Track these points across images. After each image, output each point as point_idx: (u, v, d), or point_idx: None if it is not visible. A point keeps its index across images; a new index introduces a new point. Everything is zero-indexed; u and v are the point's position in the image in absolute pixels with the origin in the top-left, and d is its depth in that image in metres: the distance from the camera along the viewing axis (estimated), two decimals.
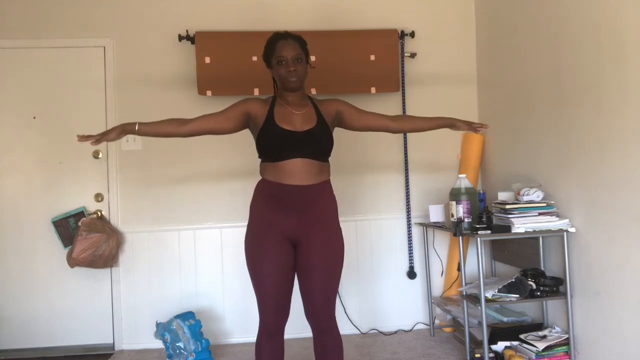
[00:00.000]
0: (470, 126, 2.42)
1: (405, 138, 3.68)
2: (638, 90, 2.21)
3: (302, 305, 2.18)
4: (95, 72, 3.53)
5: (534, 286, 2.73)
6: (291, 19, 3.62)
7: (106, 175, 3.51)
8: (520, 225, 2.70)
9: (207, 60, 3.41)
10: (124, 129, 2.11)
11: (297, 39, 2.20)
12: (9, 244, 3.45)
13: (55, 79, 3.50)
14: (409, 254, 3.68)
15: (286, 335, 3.55)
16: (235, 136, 3.54)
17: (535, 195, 2.78)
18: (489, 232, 2.76)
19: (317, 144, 2.14)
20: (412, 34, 3.68)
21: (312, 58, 3.46)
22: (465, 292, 2.93)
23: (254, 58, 3.40)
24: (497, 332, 2.94)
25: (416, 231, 3.69)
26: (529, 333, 2.85)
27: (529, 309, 3.20)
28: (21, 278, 3.45)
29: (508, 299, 2.72)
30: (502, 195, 3.00)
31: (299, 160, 2.10)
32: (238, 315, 3.54)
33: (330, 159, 2.27)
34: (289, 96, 2.20)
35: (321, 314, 2.13)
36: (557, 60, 2.78)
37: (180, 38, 3.50)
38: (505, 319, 3.08)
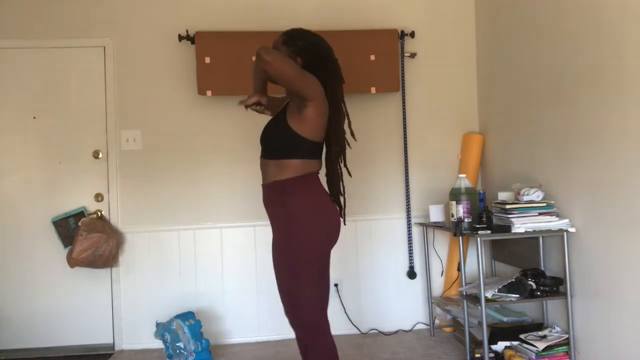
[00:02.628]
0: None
1: (405, 138, 3.68)
2: (638, 90, 2.21)
3: None
4: (95, 72, 3.53)
5: (534, 286, 2.73)
6: (291, 19, 3.61)
7: (106, 175, 3.52)
8: (520, 225, 2.70)
9: (207, 60, 3.41)
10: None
11: (284, 34, 2.17)
12: (9, 244, 3.45)
13: (55, 79, 3.50)
14: (409, 254, 3.68)
15: (284, 336, 3.56)
16: (235, 136, 3.57)
17: (535, 195, 2.78)
18: (489, 232, 2.76)
19: (262, 142, 2.14)
20: (412, 34, 3.68)
21: None
22: (465, 292, 2.93)
23: (254, 58, 3.40)
24: (497, 332, 2.94)
25: (416, 231, 3.69)
26: (529, 333, 2.85)
27: (529, 309, 3.20)
28: (21, 278, 3.45)
29: (508, 299, 2.72)
30: (502, 195, 3.00)
31: (260, 160, 2.17)
32: (238, 315, 3.54)
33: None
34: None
35: (287, 316, 2.08)
36: (557, 60, 2.78)
37: (180, 38, 3.50)
38: (505, 319, 3.08)
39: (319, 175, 2.15)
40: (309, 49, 2.14)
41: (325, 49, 2.18)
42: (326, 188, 2.20)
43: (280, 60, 1.92)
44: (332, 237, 2.10)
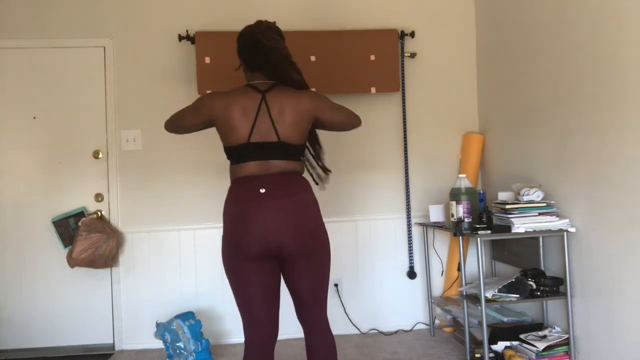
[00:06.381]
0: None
1: (405, 138, 3.68)
2: (638, 90, 2.21)
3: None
4: (95, 72, 3.53)
5: (534, 286, 2.73)
6: (291, 19, 3.62)
7: (106, 175, 3.52)
8: (520, 225, 2.70)
9: (207, 60, 3.41)
10: None
11: None
12: (9, 244, 3.45)
13: (55, 79, 3.50)
14: (409, 254, 3.68)
15: (284, 336, 3.57)
16: None
17: (535, 195, 2.78)
18: (489, 232, 2.76)
19: None
20: (412, 34, 3.68)
21: (312, 58, 3.48)
22: (465, 292, 2.93)
23: None
24: (497, 332, 2.94)
25: (416, 231, 3.69)
26: (529, 333, 2.86)
27: (529, 309, 3.20)
28: (21, 278, 3.45)
29: (508, 299, 2.72)
30: (502, 195, 3.00)
31: None
32: (238, 315, 3.54)
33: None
34: None
35: None
36: (557, 61, 2.78)
37: (180, 38, 3.50)
38: (505, 319, 3.08)
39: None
40: (239, 47, 2.17)
41: (248, 35, 2.13)
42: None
43: (169, 124, 2.14)
44: (235, 248, 1.94)
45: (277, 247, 1.93)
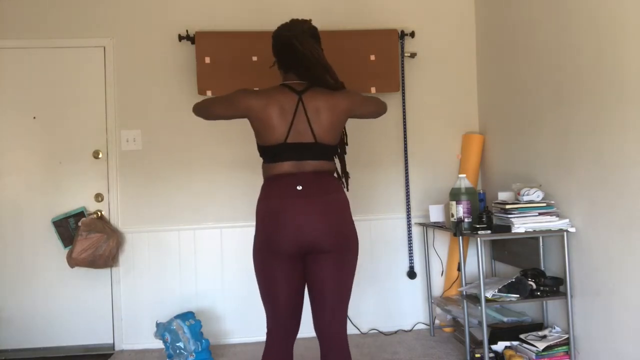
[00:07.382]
0: None
1: (405, 138, 3.68)
2: (638, 90, 2.21)
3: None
4: (95, 72, 3.53)
5: (534, 286, 2.74)
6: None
7: (106, 175, 3.52)
8: (520, 225, 2.70)
9: (207, 60, 3.41)
10: None
11: None
12: (9, 244, 3.45)
13: (55, 79, 3.50)
14: (409, 254, 3.68)
15: None
16: (235, 136, 3.56)
17: (535, 195, 2.78)
18: (489, 232, 2.76)
19: None
20: (412, 34, 3.68)
21: None
22: (465, 292, 2.94)
23: (254, 58, 3.41)
24: (497, 332, 2.94)
25: (416, 231, 3.69)
26: (529, 333, 2.86)
27: (529, 309, 3.20)
28: (21, 278, 3.45)
29: (508, 299, 2.72)
30: (502, 195, 3.00)
31: None
32: (238, 315, 3.54)
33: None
34: None
35: None
36: (557, 60, 2.78)
37: (180, 38, 3.50)
38: (505, 319, 3.08)
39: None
40: (274, 47, 2.14)
41: (283, 38, 2.09)
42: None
43: (199, 109, 2.15)
44: (267, 244, 1.96)
45: (309, 245, 1.94)
